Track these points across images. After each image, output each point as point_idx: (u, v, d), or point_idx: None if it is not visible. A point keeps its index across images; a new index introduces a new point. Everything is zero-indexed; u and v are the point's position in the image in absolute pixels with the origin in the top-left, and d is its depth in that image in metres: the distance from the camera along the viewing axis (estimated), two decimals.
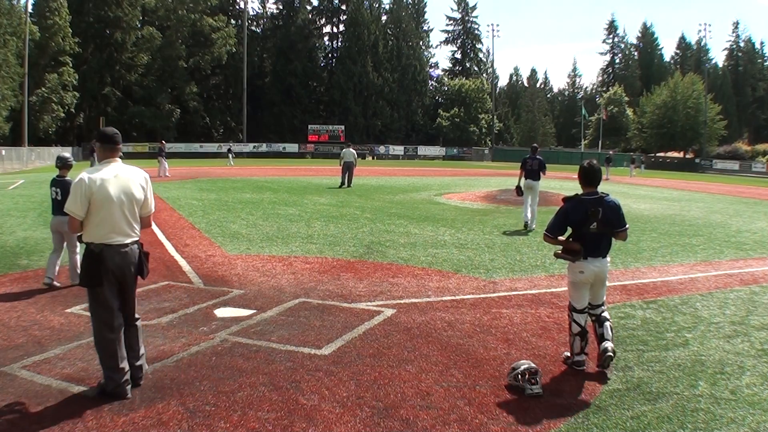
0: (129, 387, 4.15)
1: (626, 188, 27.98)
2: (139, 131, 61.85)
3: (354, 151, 24.96)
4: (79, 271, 6.82)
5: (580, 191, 4.88)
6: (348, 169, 23.87)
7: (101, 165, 4.24)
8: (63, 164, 7.39)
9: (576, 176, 4.99)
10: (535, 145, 14.61)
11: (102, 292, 4.09)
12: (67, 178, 7.29)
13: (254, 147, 62.91)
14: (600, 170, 4.92)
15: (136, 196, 4.21)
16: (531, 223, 12.84)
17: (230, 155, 45.43)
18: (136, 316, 4.38)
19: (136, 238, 4.27)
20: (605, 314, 4.89)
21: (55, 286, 7.15)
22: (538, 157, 13.21)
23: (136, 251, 4.24)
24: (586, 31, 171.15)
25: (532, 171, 12.97)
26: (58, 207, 7.06)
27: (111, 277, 4.10)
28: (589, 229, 4.71)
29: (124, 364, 4.15)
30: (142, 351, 4.39)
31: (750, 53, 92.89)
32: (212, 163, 46.90)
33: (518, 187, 13.10)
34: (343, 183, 23.80)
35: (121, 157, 4.37)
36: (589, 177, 4.80)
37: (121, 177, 4.19)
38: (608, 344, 4.70)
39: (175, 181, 25.51)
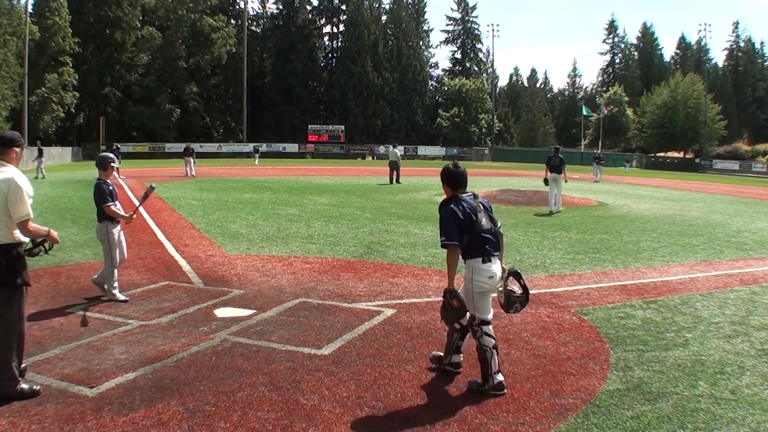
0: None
1: (626, 188, 27.97)
2: (139, 131, 61.88)
3: (397, 151, 27.62)
4: (106, 286, 6.59)
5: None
6: (393, 167, 26.43)
7: None
8: (106, 164, 6.75)
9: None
10: (557, 146, 18.62)
11: None
12: (99, 181, 6.67)
13: (254, 147, 62.95)
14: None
15: None
16: (558, 206, 16.35)
17: (257, 155, 48.16)
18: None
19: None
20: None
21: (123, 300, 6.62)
22: (559, 155, 16.63)
23: None
24: (586, 31, 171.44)
25: (555, 166, 16.33)
26: (97, 213, 6.69)
27: None
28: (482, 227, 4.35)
29: None
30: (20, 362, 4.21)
31: (750, 53, 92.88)
32: (212, 163, 46.90)
33: (545, 179, 16.51)
34: (391, 181, 26.15)
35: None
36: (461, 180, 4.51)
37: None
38: (461, 358, 4.61)
39: (175, 181, 25.52)
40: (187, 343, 5.22)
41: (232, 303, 6.56)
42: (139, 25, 63.05)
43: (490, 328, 4.34)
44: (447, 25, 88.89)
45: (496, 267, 4.35)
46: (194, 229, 11.95)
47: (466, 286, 4.41)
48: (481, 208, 4.43)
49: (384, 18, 79.51)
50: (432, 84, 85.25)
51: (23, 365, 4.31)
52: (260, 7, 78.88)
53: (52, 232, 4.45)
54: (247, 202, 17.16)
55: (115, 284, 6.62)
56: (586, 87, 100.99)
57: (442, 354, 4.68)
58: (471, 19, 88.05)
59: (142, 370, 4.59)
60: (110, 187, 6.70)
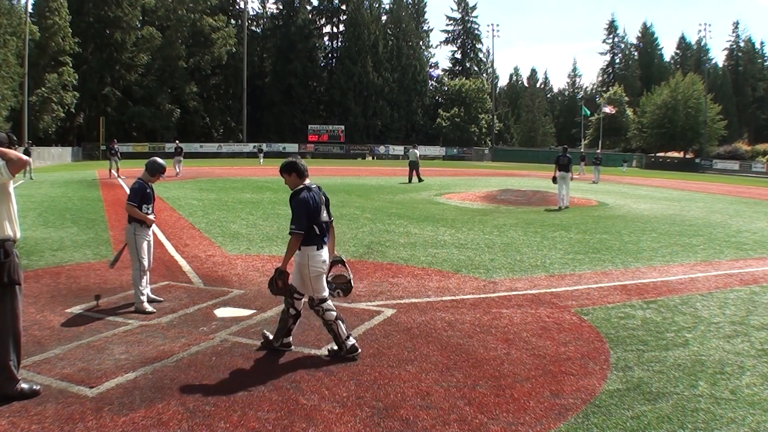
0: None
1: (626, 188, 27.97)
2: (139, 131, 61.87)
3: (417, 152, 28.70)
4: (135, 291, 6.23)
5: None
6: (412, 167, 27.48)
7: None
8: (157, 169, 6.54)
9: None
10: (565, 146, 20.37)
11: None
12: (144, 183, 6.49)
13: (254, 147, 62.95)
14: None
15: None
16: (564, 202, 17.46)
17: (261, 155, 48.86)
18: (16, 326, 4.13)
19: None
20: None
21: (157, 300, 6.48)
22: (567, 155, 18.15)
23: None
24: (586, 31, 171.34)
25: (564, 165, 17.63)
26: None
27: None
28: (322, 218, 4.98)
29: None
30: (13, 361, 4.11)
31: (750, 53, 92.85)
32: (212, 163, 46.91)
33: (554, 177, 17.70)
34: (410, 180, 27.08)
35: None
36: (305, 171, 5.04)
37: None
38: (290, 339, 5.12)
39: (175, 181, 25.51)
40: (187, 343, 5.22)
41: (232, 303, 6.56)
42: (139, 25, 62.98)
43: (329, 304, 4.95)
44: (447, 25, 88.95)
45: (326, 254, 4.99)
46: (194, 229, 11.94)
47: (301, 270, 4.91)
48: (323, 200, 5.05)
49: (384, 18, 79.46)
50: (432, 84, 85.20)
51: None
52: (260, 7, 78.93)
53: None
54: (247, 202, 17.15)
55: (144, 292, 6.24)
56: (586, 87, 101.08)
57: (272, 336, 5.10)
58: (471, 19, 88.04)
59: (142, 370, 4.60)
60: (147, 190, 6.45)
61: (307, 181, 5.04)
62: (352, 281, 5.27)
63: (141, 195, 6.40)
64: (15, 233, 4.20)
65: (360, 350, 4.95)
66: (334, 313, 4.92)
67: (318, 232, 4.91)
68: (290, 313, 5.01)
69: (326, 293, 4.96)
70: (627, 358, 5.05)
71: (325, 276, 5.00)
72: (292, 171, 5.00)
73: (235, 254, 9.40)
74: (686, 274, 8.69)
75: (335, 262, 5.20)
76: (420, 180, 27.25)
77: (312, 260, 4.86)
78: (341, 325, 4.92)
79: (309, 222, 4.86)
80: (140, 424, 3.73)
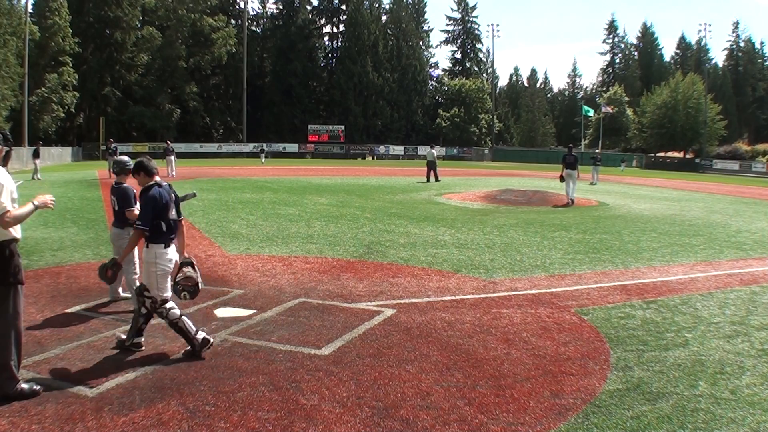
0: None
1: (626, 188, 27.97)
2: (139, 131, 61.87)
3: (434, 152, 28.94)
4: (132, 292, 6.19)
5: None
6: (430, 167, 27.74)
7: None
8: (121, 169, 6.64)
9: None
10: (570, 145, 21.67)
11: None
12: (124, 185, 6.53)
13: (254, 147, 62.96)
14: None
15: None
16: (572, 196, 18.25)
17: (263, 155, 49.30)
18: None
19: None
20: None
21: (119, 298, 6.64)
22: (573, 153, 19.17)
23: None
24: (586, 31, 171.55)
25: (570, 163, 18.56)
26: (116, 217, 6.52)
27: None
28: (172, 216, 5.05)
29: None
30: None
31: (750, 53, 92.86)
32: (212, 163, 46.91)
33: (561, 176, 18.70)
34: (428, 179, 27.34)
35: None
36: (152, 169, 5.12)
37: None
38: (142, 339, 5.09)
39: (175, 181, 25.50)
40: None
41: (232, 303, 6.56)
42: (139, 25, 62.97)
43: (171, 303, 4.95)
44: (447, 25, 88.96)
45: (173, 252, 5.04)
46: (194, 229, 11.94)
47: (149, 268, 4.92)
48: (173, 198, 5.09)
49: (384, 18, 79.44)
50: (432, 84, 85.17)
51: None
52: (260, 7, 78.91)
53: (38, 199, 4.14)
54: (247, 202, 17.15)
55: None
56: (586, 87, 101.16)
57: (124, 336, 5.09)
58: (471, 19, 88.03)
59: (142, 370, 4.60)
60: (134, 191, 6.48)
61: (157, 178, 5.12)
62: (200, 284, 5.18)
63: (134, 198, 6.44)
64: (18, 234, 4.20)
65: (212, 341, 4.96)
66: (177, 312, 4.90)
67: (165, 230, 4.94)
68: (141, 312, 5.00)
69: (169, 294, 4.96)
70: (627, 358, 5.05)
71: (170, 276, 4.97)
72: (140, 171, 5.09)
73: (235, 254, 9.40)
74: (686, 274, 8.69)
75: (185, 263, 5.14)
76: (437, 179, 27.34)
77: (159, 258, 4.88)
78: (186, 321, 4.90)
79: (157, 218, 4.90)
80: (140, 424, 3.73)
